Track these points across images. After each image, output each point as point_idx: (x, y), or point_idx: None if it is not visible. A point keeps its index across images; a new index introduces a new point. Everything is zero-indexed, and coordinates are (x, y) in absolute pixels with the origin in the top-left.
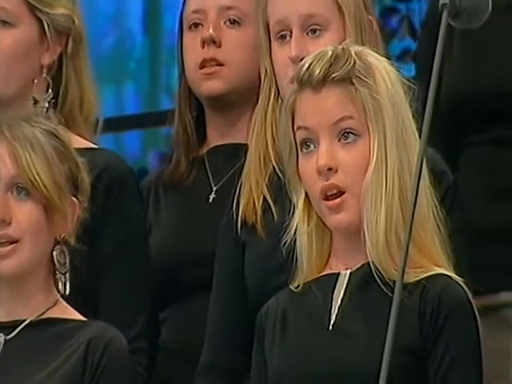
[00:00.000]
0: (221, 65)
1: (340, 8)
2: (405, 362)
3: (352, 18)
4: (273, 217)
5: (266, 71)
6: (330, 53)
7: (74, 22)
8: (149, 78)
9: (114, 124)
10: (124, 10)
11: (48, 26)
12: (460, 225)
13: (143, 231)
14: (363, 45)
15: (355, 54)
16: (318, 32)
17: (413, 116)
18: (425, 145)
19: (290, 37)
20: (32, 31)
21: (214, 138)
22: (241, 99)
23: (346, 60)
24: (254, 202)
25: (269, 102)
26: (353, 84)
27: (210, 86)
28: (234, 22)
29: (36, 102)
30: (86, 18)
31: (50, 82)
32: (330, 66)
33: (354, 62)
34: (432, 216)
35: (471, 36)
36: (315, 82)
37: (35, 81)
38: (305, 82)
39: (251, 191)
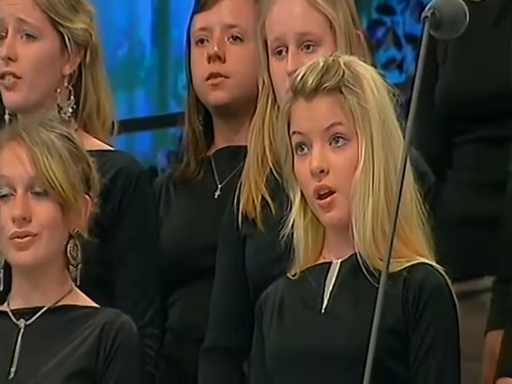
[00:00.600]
0: (225, 77)
1: (331, 25)
2: (388, 342)
3: (342, 34)
4: (271, 213)
5: (264, 82)
6: (321, 64)
7: (91, 35)
8: (158, 85)
9: (127, 126)
10: (135, 24)
11: (68, 39)
12: (441, 221)
13: (155, 230)
14: None
15: (344, 64)
16: (311, 48)
17: (397, 119)
18: (408, 145)
19: (286, 52)
20: (54, 44)
21: (220, 141)
22: (243, 107)
23: (336, 71)
24: (254, 200)
25: (266, 109)
26: (342, 93)
27: (216, 96)
28: (236, 39)
29: (60, 108)
30: (101, 31)
31: (72, 90)
32: (322, 76)
33: (343, 72)
34: (416, 211)
35: (465, 44)
36: (308, 92)
37: (58, 90)
38: (299, 91)
39: (250, 190)
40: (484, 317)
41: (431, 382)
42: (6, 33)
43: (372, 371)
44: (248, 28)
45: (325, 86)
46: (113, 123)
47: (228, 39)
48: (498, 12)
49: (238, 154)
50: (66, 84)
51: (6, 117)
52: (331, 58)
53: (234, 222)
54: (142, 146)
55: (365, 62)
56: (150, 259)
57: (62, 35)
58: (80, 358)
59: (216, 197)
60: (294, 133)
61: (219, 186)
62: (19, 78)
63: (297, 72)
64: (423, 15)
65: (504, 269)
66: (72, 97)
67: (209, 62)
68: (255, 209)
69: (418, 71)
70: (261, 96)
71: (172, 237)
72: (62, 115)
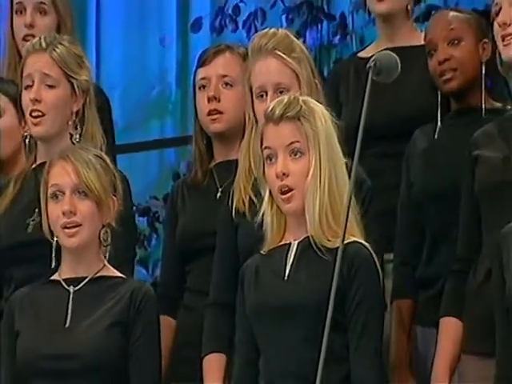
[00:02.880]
0: (220, 113)
1: (298, 77)
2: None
3: (305, 83)
4: (255, 208)
5: (250, 117)
6: (285, 100)
7: (89, 83)
8: (180, 114)
9: (159, 144)
10: (165, 72)
11: (77, 87)
12: (377, 217)
13: (131, 216)
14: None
15: (302, 101)
16: (284, 92)
17: (339, 141)
18: (357, 165)
19: (266, 96)
20: (67, 90)
21: (218, 157)
22: (233, 132)
23: (296, 105)
24: (243, 200)
25: (251, 136)
26: (300, 120)
27: (214, 127)
28: (227, 85)
29: (71, 135)
30: (141, 76)
31: (78, 122)
32: (286, 108)
33: (301, 106)
34: (353, 211)
35: (362, 86)
36: (275, 119)
37: (69, 122)
38: (269, 118)
39: (241, 193)
40: (388, 278)
41: (360, 326)
42: (33, 83)
43: (322, 319)
44: (236, 77)
45: (287, 115)
46: (101, 147)
47: (221, 85)
48: None
49: (231, 166)
50: (74, 118)
51: (27, 141)
52: (293, 97)
53: (229, 215)
54: (169, 158)
55: (318, 101)
56: (128, 236)
57: (72, 84)
58: (116, 313)
59: (217, 197)
60: (265, 148)
61: (219, 189)
62: (44, 114)
63: (268, 105)
64: (368, 65)
65: (397, 253)
66: (78, 127)
67: (208, 102)
68: (244, 205)
69: (363, 106)
70: (247, 127)
71: (187, 225)
72: (73, 140)
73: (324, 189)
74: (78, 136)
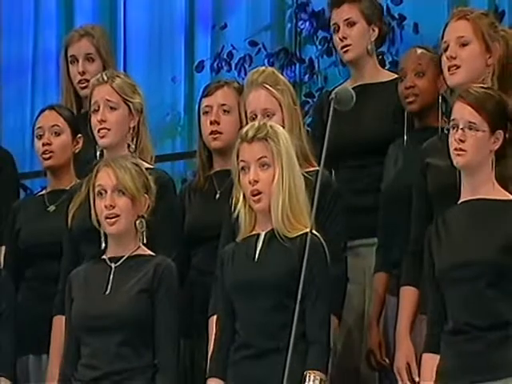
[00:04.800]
0: (220, 133)
1: (280, 104)
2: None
3: (286, 109)
4: None
5: None
6: (256, 125)
7: (142, 105)
8: (187, 135)
9: (171, 157)
10: (175, 102)
11: (133, 108)
12: (341, 213)
13: (177, 209)
14: (292, 123)
15: (269, 126)
16: (270, 116)
17: (297, 157)
18: (321, 175)
19: (257, 118)
20: (125, 111)
21: (216, 166)
22: (229, 148)
23: (264, 129)
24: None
25: None
26: (267, 140)
27: (214, 145)
28: (225, 111)
29: (129, 146)
30: (158, 106)
31: (135, 136)
32: (256, 131)
33: (268, 130)
34: (306, 209)
35: (339, 113)
36: (248, 139)
37: (127, 135)
38: (243, 139)
39: (237, 197)
40: (359, 257)
41: (313, 295)
42: (98, 108)
43: (284, 292)
44: (232, 105)
45: (258, 136)
46: (151, 157)
47: (221, 112)
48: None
49: (227, 174)
50: (131, 132)
51: (98, 153)
52: (262, 122)
53: (229, 211)
54: (179, 168)
55: (299, 125)
56: (171, 226)
57: (129, 106)
58: (144, 282)
59: (216, 198)
60: (240, 161)
61: (218, 191)
62: (109, 130)
63: (242, 128)
64: (330, 97)
65: (378, 239)
66: (134, 139)
67: (210, 124)
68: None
69: (327, 129)
70: None
71: (192, 220)
72: (130, 150)
73: (285, 192)
74: (133, 146)
